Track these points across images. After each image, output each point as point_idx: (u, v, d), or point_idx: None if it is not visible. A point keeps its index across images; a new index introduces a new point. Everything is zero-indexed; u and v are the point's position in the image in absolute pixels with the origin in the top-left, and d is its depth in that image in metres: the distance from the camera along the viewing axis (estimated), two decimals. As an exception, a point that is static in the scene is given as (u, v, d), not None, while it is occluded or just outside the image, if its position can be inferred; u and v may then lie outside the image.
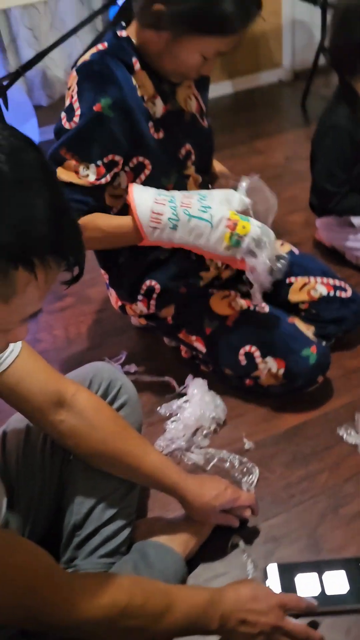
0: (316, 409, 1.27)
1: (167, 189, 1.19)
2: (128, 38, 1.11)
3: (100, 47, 1.11)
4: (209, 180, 1.34)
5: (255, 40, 3.30)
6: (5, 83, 2.14)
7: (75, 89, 1.09)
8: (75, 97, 1.09)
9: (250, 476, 1.15)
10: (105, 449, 0.89)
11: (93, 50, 1.12)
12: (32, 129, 2.67)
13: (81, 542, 0.91)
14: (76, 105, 1.09)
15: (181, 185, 1.22)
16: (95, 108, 1.06)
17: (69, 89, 1.12)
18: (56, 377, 0.89)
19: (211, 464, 1.18)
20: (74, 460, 0.94)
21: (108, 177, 1.13)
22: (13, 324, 0.60)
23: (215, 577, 0.99)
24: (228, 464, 1.18)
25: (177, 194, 1.12)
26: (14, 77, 2.10)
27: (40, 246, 0.53)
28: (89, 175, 1.10)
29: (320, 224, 1.75)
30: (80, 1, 2.70)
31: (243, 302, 1.30)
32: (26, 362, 0.84)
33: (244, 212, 1.14)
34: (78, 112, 1.08)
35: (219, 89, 3.31)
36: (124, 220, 1.15)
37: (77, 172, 1.10)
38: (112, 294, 1.43)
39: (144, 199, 1.10)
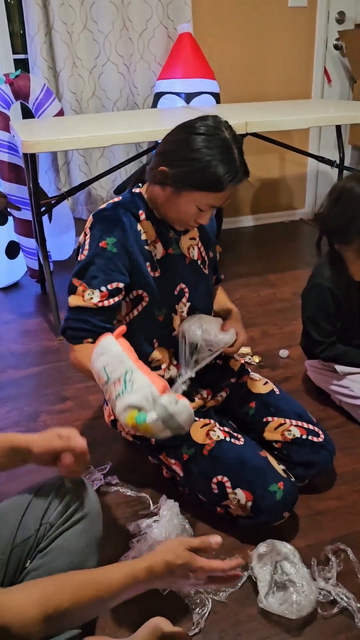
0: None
1: (158, 320, 1.38)
2: (140, 194, 1.36)
3: (116, 199, 1.36)
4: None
5: (282, 183, 3.66)
6: (52, 202, 2.44)
7: (88, 230, 1.31)
8: (88, 235, 1.31)
9: (203, 608, 1.18)
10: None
11: (110, 201, 1.36)
12: (70, 239, 2.96)
13: None
14: (86, 242, 1.30)
15: (169, 319, 1.41)
16: (101, 244, 1.28)
17: (85, 230, 1.33)
18: None
19: (168, 589, 1.23)
20: (27, 570, 1.01)
21: (111, 301, 1.28)
22: None
23: None
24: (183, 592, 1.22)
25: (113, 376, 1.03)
26: (59, 198, 2.40)
27: None
28: (93, 298, 1.26)
29: (308, 365, 1.88)
30: (129, 138, 3.09)
31: (220, 433, 1.39)
32: None
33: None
34: (87, 247, 1.30)
35: (241, 221, 3.64)
36: None
37: (83, 297, 1.27)
38: (106, 409, 1.56)
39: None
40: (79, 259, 1.31)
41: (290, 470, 1.39)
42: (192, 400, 1.47)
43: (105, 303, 1.27)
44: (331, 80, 3.47)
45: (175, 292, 1.41)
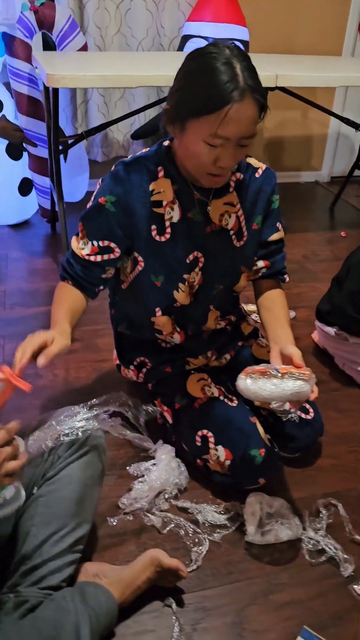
0: (272, 494, 1.34)
1: (155, 285, 1.34)
2: (169, 147, 1.26)
3: (143, 151, 1.29)
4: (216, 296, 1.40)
5: (301, 143, 3.58)
6: (70, 142, 2.39)
7: (102, 180, 1.29)
8: (99, 184, 1.30)
9: (200, 547, 1.24)
10: None
11: (136, 154, 1.29)
12: (83, 182, 2.92)
13: (27, 571, 1.00)
14: (95, 191, 1.30)
15: (171, 287, 1.33)
16: (100, 200, 1.26)
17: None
18: None
19: (167, 528, 1.29)
20: (34, 496, 1.06)
21: (98, 258, 1.29)
22: None
23: (144, 632, 1.08)
24: (183, 531, 1.28)
25: None
26: (78, 139, 2.35)
27: None
28: (84, 249, 1.30)
29: (319, 328, 1.91)
30: (151, 81, 3.00)
31: (215, 390, 1.41)
32: None
33: None
34: (92, 198, 1.29)
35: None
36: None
37: (78, 244, 1.31)
38: (115, 351, 1.59)
39: None
40: (89, 204, 1.31)
41: (272, 440, 1.40)
42: (196, 357, 1.49)
43: (92, 259, 1.29)
44: (364, 37, 3.35)
45: (187, 261, 1.32)
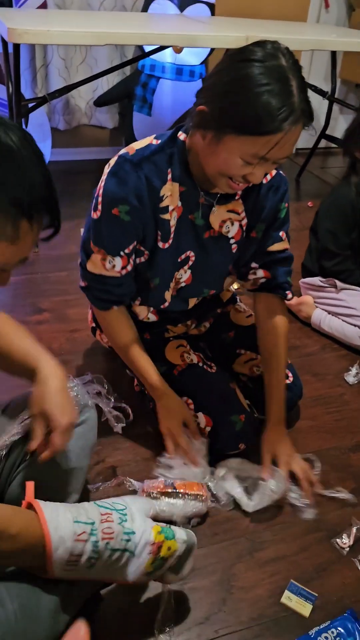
0: (254, 458, 1.34)
1: (149, 285, 1.28)
2: (183, 142, 1.15)
3: (151, 144, 1.16)
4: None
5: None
6: (30, 105, 2.28)
7: (104, 181, 1.16)
8: (101, 190, 1.17)
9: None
10: None
11: (145, 142, 1.16)
12: (45, 149, 2.81)
13: None
14: (99, 198, 1.17)
15: (164, 288, 1.29)
16: (113, 212, 1.15)
17: (103, 174, 1.18)
18: None
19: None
20: (26, 463, 1.03)
21: (134, 262, 1.24)
22: (10, 265, 0.79)
23: (134, 592, 1.07)
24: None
25: (96, 516, 0.87)
26: (40, 102, 2.24)
27: (39, 205, 0.75)
28: (115, 266, 1.21)
29: (303, 284, 1.96)
30: (114, 45, 2.90)
31: (194, 357, 1.40)
32: None
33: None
34: (99, 208, 1.17)
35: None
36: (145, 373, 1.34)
37: (104, 266, 1.21)
38: (90, 313, 1.54)
39: (61, 532, 0.82)
40: (93, 215, 1.20)
41: (252, 405, 1.41)
42: (175, 325, 1.46)
43: (129, 268, 1.23)
44: (329, 5, 3.32)
45: (179, 260, 1.27)
